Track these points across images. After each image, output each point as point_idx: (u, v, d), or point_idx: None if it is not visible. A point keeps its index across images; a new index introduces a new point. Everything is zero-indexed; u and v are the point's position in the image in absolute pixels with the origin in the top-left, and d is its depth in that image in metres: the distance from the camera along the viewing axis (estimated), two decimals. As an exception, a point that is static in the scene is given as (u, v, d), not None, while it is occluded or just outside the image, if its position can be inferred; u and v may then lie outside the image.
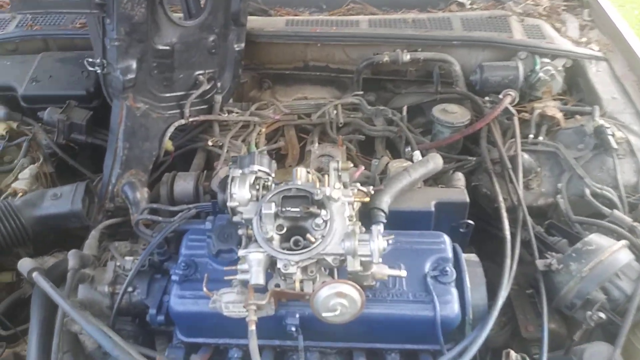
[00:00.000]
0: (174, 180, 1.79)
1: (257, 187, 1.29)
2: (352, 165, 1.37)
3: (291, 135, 2.14)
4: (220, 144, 1.94)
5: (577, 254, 1.46)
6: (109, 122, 1.91)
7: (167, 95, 1.84)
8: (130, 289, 1.46)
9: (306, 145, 2.10)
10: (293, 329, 1.28)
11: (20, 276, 1.58)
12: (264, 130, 2.05)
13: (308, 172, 1.34)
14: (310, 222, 1.21)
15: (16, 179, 1.82)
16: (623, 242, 1.47)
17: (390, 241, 1.24)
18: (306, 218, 1.22)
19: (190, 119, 1.89)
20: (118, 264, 1.53)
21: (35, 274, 1.36)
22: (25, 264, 1.40)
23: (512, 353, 1.32)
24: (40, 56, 2.12)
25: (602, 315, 1.37)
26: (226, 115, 2.01)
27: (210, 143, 1.95)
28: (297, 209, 1.21)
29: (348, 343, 1.38)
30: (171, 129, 1.86)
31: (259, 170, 1.32)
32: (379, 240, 1.17)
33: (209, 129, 2.01)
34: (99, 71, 1.68)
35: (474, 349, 1.27)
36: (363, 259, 1.17)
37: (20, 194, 1.75)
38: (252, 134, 2.00)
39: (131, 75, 1.65)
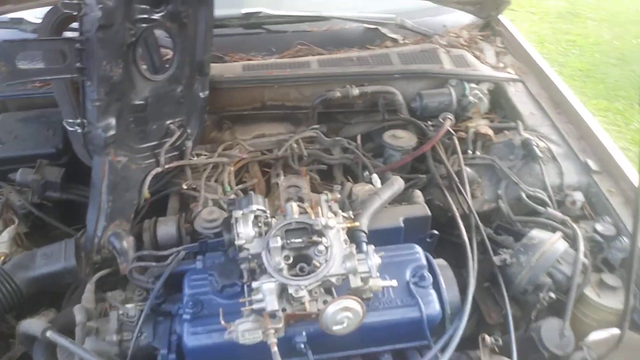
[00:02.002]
0: (155, 225, 1.89)
1: (259, 224, 1.45)
2: (338, 195, 1.56)
3: (255, 170, 2.29)
4: (194, 186, 2.06)
5: (524, 248, 1.74)
6: (79, 177, 1.97)
7: (143, 146, 1.93)
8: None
9: (271, 178, 2.26)
10: (302, 345, 1.43)
11: (13, 339, 1.60)
12: (232, 169, 2.19)
13: (299, 206, 1.51)
14: (312, 249, 1.39)
15: (-6, 243, 1.82)
16: (559, 233, 1.77)
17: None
18: (308, 246, 1.39)
19: (166, 166, 1.99)
20: (121, 312, 1.61)
21: (50, 333, 1.41)
22: (34, 325, 1.45)
23: (487, 336, 1.56)
24: (1, 117, 2.13)
25: (553, 295, 1.65)
26: (196, 158, 2.13)
27: (184, 187, 2.06)
28: (300, 240, 1.38)
29: (345, 352, 1.54)
30: (149, 178, 1.95)
31: (257, 209, 1.48)
32: (374, 258, 1.37)
33: (181, 173, 2.12)
34: (79, 130, 1.75)
35: (457, 338, 1.49)
36: (363, 275, 1.37)
37: (2, 258, 1.77)
38: (222, 174, 2.14)
39: (112, 132, 1.74)
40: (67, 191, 2.01)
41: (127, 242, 1.81)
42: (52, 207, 2.05)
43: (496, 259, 1.76)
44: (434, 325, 1.53)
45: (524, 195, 1.99)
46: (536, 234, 1.78)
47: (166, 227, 1.88)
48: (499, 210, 2.02)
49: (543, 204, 1.96)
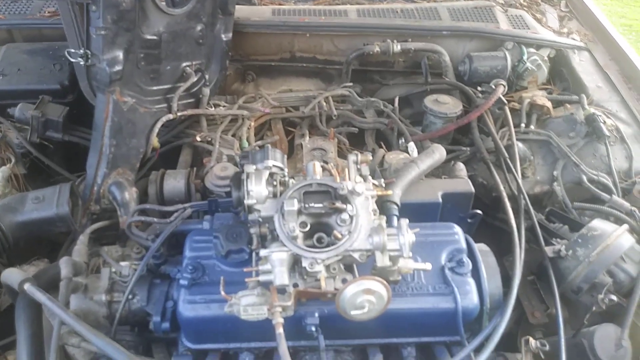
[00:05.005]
0: (163, 178, 1.70)
1: (274, 183, 1.23)
2: (370, 157, 1.32)
3: (279, 128, 2.08)
4: (209, 139, 1.85)
5: (583, 240, 1.49)
6: (85, 118, 1.79)
7: (154, 88, 1.73)
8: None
9: (295, 138, 2.04)
10: (313, 328, 1.23)
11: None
12: (252, 124, 1.97)
13: (323, 167, 1.29)
14: (334, 218, 1.16)
15: (-14, 182, 1.66)
16: (625, 226, 1.51)
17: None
18: (330, 214, 1.17)
19: (179, 114, 1.79)
20: (113, 270, 1.43)
21: (27, 286, 1.24)
22: (13, 275, 1.27)
23: (532, 340, 1.33)
24: (5, 48, 1.95)
25: (614, 297, 1.40)
26: (214, 109, 1.92)
27: (198, 138, 1.85)
28: (321, 205, 1.16)
29: (363, 340, 1.34)
30: (159, 125, 1.75)
31: (274, 166, 1.26)
32: (408, 234, 1.13)
33: (195, 123, 1.92)
34: (82, 63, 1.55)
35: (496, 338, 1.26)
36: (392, 253, 1.14)
37: (-7, 199, 1.61)
38: (241, 128, 1.92)
39: (118, 67, 1.54)
40: (71, 132, 1.83)
41: (129, 194, 1.63)
42: (54, 149, 1.87)
43: (549, 250, 1.51)
44: (470, 319, 1.31)
45: (585, 179, 1.73)
46: (598, 224, 1.52)
47: (174, 181, 1.69)
48: (552, 194, 1.78)
49: (607, 190, 1.69)
